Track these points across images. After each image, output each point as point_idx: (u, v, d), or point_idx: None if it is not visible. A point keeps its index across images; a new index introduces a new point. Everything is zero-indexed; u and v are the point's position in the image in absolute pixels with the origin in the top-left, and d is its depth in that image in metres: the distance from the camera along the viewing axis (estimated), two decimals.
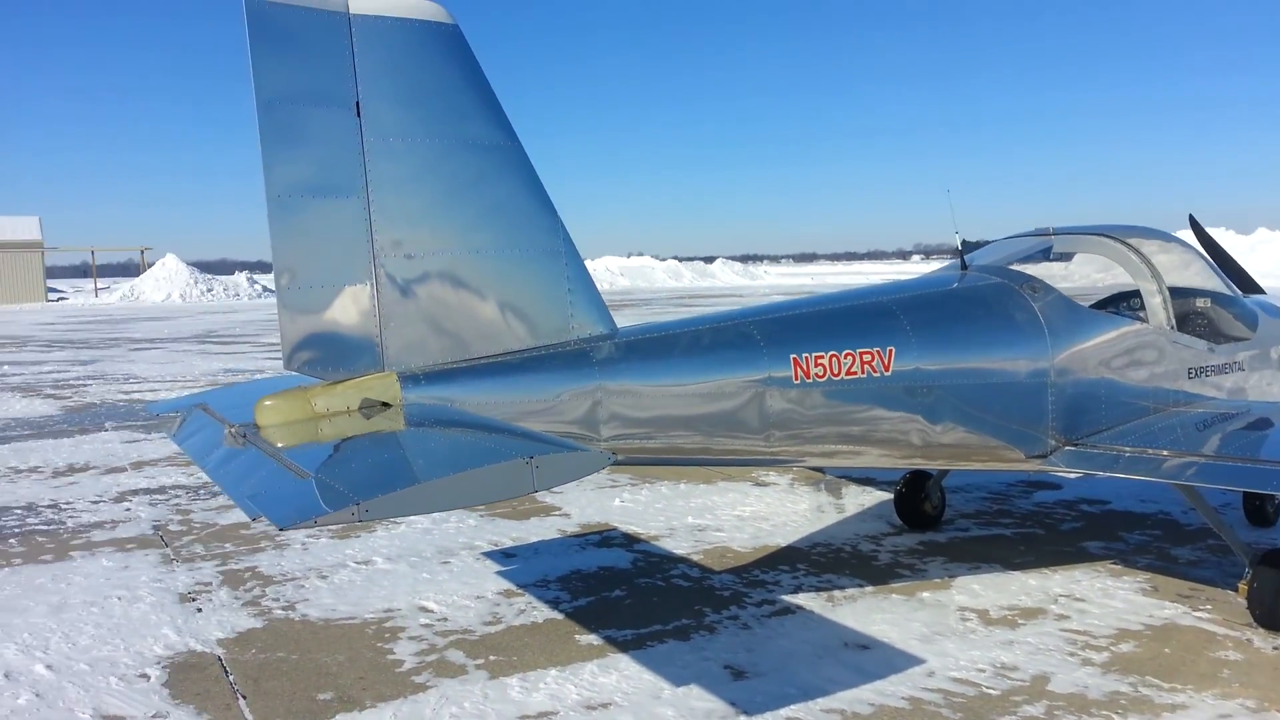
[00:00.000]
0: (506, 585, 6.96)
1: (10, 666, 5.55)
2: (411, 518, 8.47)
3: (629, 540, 8.07)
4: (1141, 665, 5.49)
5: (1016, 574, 7.09)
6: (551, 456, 3.95)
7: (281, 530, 3.47)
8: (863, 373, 5.85)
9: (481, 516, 8.71)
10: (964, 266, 7.13)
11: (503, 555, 7.66)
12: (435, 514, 8.60)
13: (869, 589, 6.80)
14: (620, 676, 5.42)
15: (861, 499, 9.29)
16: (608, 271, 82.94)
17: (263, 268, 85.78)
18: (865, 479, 9.99)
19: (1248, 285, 8.71)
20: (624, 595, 6.75)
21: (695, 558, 7.57)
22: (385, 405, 4.64)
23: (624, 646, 5.83)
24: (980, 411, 6.24)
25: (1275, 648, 5.72)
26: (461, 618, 6.33)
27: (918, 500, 8.27)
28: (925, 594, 6.69)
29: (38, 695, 5.19)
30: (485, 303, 4.92)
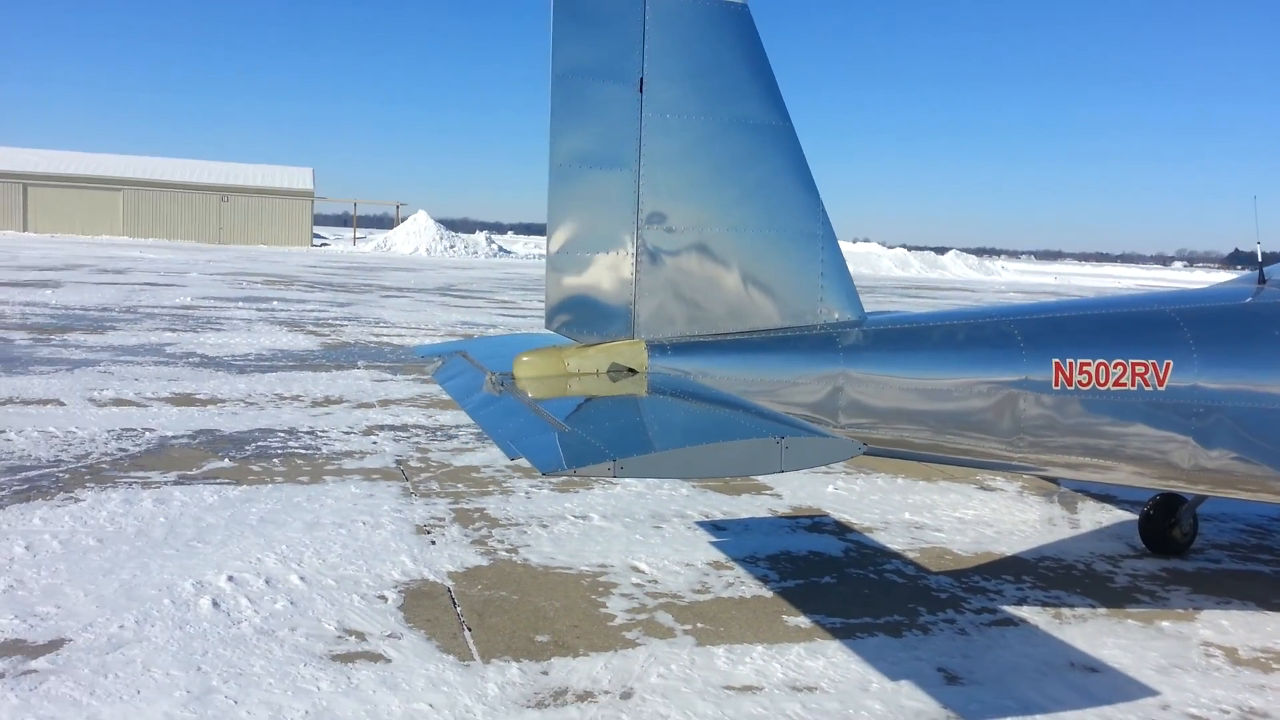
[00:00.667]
0: (716, 556, 7.03)
1: (270, 574, 6.18)
2: (628, 481, 8.73)
3: (841, 528, 7.94)
4: None
5: (1274, 615, 6.42)
6: (802, 439, 3.97)
7: (543, 475, 3.67)
8: (1133, 385, 5.49)
9: (694, 488, 8.83)
10: (1262, 280, 6.50)
11: (713, 527, 7.74)
12: (651, 480, 8.81)
13: (1101, 610, 6.36)
14: (828, 663, 5.37)
15: (1099, 516, 8.68)
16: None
17: (499, 229, 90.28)
18: (1105, 495, 9.33)
19: None
20: (834, 583, 6.66)
21: (911, 555, 7.34)
22: (631, 371, 4.82)
23: (833, 633, 5.77)
24: (1260, 439, 5.69)
25: None
26: (671, 582, 6.46)
27: (1166, 525, 7.63)
28: (1165, 623, 6.18)
29: (292, 604, 5.75)
30: (737, 279, 5.00)
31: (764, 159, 5.01)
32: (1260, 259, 6.72)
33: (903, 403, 5.21)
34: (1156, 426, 5.56)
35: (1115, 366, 5.47)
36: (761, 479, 9.25)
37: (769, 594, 6.36)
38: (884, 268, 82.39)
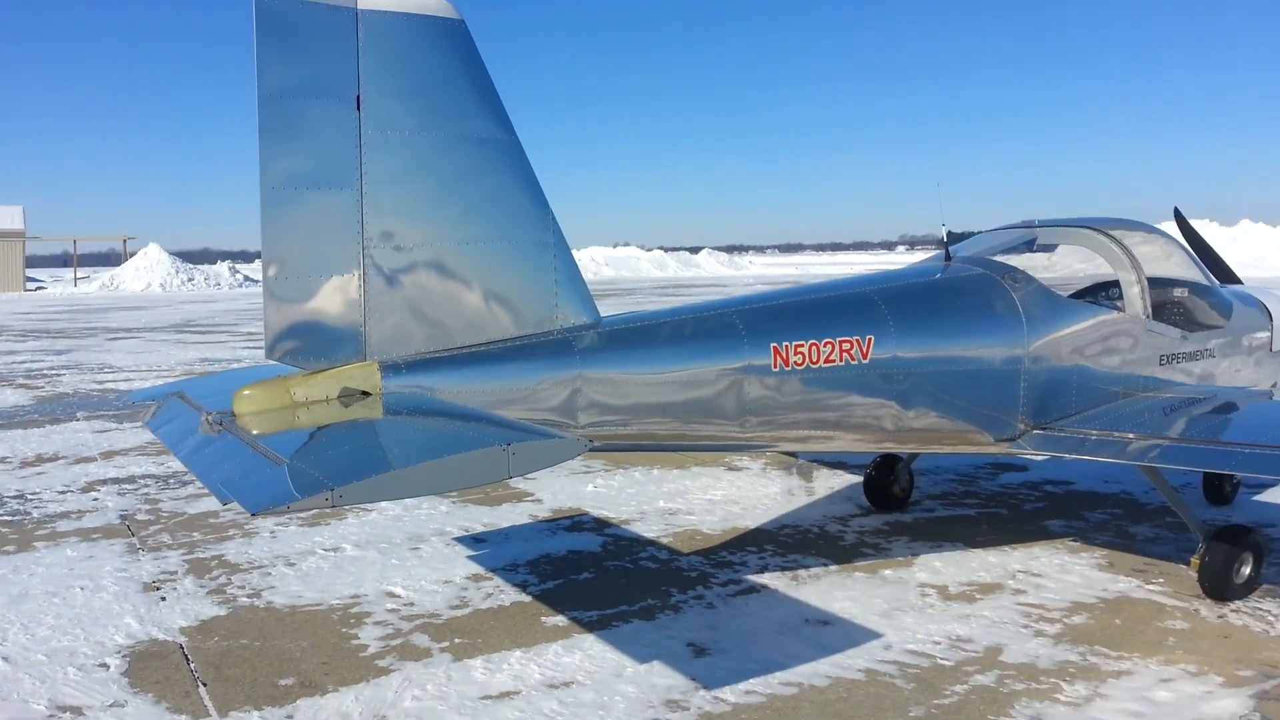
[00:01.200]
0: (475, 570, 7.00)
1: None
2: (383, 505, 8.51)
3: (600, 524, 8.12)
4: (1092, 636, 5.60)
5: (977, 552, 7.18)
6: (528, 444, 4.00)
7: (253, 516, 3.52)
8: (841, 361, 5.93)
9: (454, 503, 8.74)
10: (948, 258, 7.22)
11: (473, 540, 7.70)
12: (407, 501, 8.63)
13: (833, 568, 6.87)
14: (584, 656, 5.48)
15: (832, 482, 9.36)
16: (593, 261, 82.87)
17: (244, 257, 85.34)
18: (837, 463, 10.07)
19: (1226, 276, 8.84)
20: (592, 578, 6.80)
21: (665, 540, 7.62)
22: (365, 394, 4.70)
23: (589, 627, 5.89)
24: (953, 397, 6.33)
25: (1220, 617, 5.85)
26: (428, 602, 6.36)
27: (886, 482, 8.35)
28: (888, 572, 6.77)
29: None
30: (471, 293, 4.96)
31: (490, 173, 5.02)
32: (946, 239, 7.44)
33: (639, 398, 5.38)
34: (866, 395, 6.06)
35: (825, 345, 5.90)
36: (523, 485, 9.29)
37: (528, 599, 6.41)
38: (644, 269, 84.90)
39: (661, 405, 5.46)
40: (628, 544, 7.57)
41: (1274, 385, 7.82)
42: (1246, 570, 6.07)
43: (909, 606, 6.11)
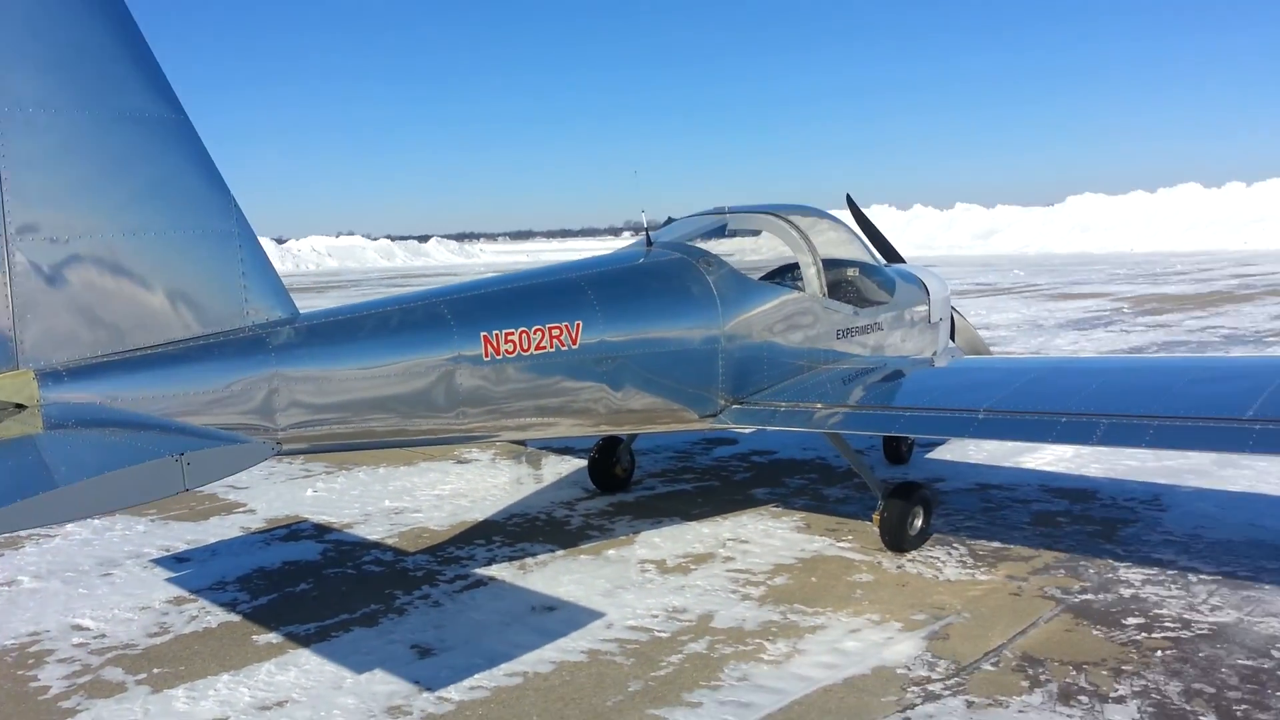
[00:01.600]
0: (177, 592, 6.49)
1: None
2: (69, 529, 7.71)
3: (320, 531, 7.78)
4: (792, 595, 6.08)
5: (693, 524, 7.59)
6: (205, 451, 3.73)
7: None
8: (552, 347, 6.01)
9: (152, 520, 8.06)
10: (649, 243, 7.48)
11: (175, 561, 7.13)
12: (95, 522, 7.87)
13: (560, 553, 7.00)
14: (299, 672, 5.23)
15: (559, 468, 9.52)
16: (314, 252, 78.89)
17: None
18: (564, 448, 10.25)
19: (891, 255, 9.82)
20: (310, 588, 6.51)
21: (390, 541, 7.44)
22: (20, 406, 4.16)
23: (305, 641, 5.63)
24: (661, 377, 6.59)
25: (898, 567, 6.54)
26: (123, 632, 5.83)
27: (609, 464, 8.61)
28: (611, 551, 7.00)
29: None
30: (145, 288, 4.51)
31: (157, 156, 4.58)
32: (646, 225, 7.74)
33: (345, 394, 5.18)
34: (580, 380, 6.20)
35: (536, 332, 5.97)
36: (234, 496, 8.74)
37: (237, 618, 6.03)
38: (370, 260, 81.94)
39: (373, 401, 5.30)
40: (350, 549, 7.31)
41: (934, 354, 8.80)
42: (919, 523, 6.82)
43: (630, 584, 6.34)
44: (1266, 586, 5.96)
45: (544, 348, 5.98)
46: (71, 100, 4.31)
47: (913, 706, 4.63)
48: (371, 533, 7.67)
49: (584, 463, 9.31)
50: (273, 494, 8.88)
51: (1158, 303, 26.71)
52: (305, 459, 10.24)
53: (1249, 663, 4.96)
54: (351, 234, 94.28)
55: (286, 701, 4.90)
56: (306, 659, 5.39)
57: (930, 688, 4.81)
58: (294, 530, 7.82)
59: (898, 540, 6.72)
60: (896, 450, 9.24)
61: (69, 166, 4.34)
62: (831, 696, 4.75)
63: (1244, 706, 4.52)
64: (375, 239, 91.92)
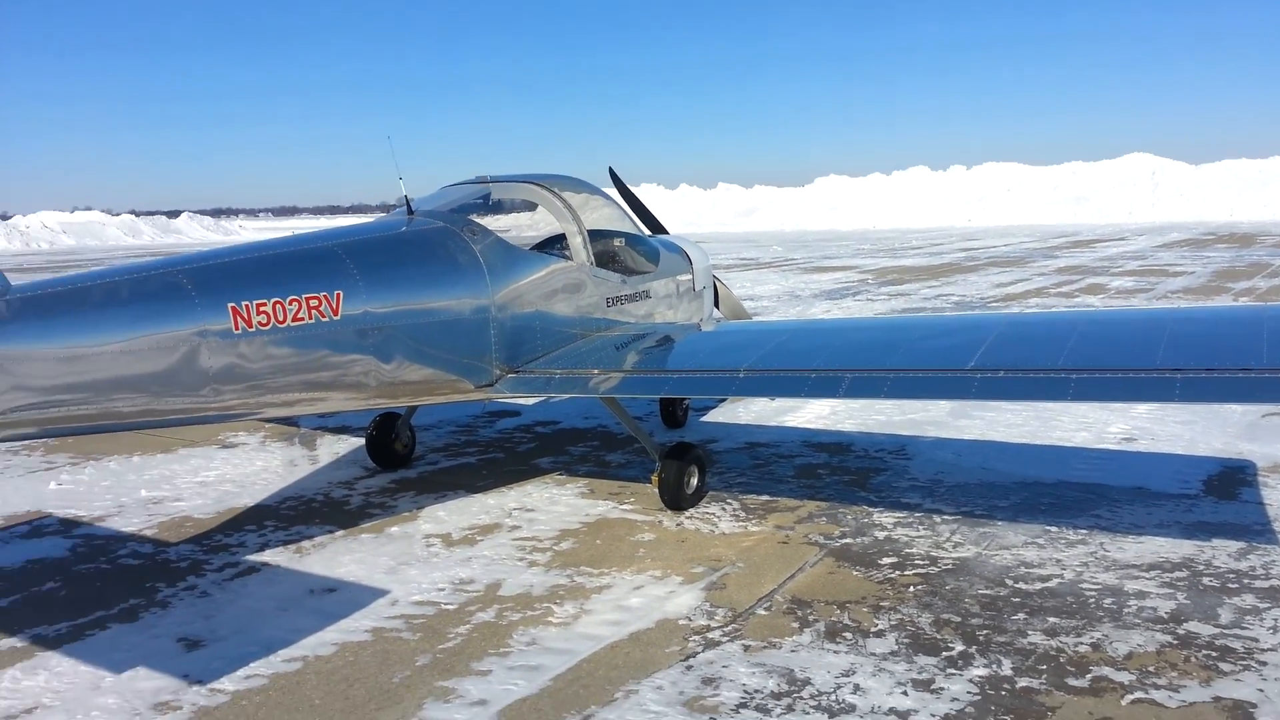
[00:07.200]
0: None
1: None
2: None
3: (67, 525, 7.13)
4: (578, 558, 6.21)
5: (479, 496, 7.56)
6: None
7: None
8: (311, 318, 5.77)
9: None
10: (410, 212, 7.30)
11: None
12: None
13: (339, 533, 6.78)
14: (50, 675, 4.79)
15: (336, 447, 9.19)
16: (46, 229, 71.30)
17: None
18: (341, 427, 9.90)
19: (654, 227, 10.11)
20: (59, 586, 5.96)
21: (149, 533, 6.92)
22: None
23: (55, 643, 5.16)
24: (432, 349, 6.48)
25: (678, 525, 6.82)
26: None
27: (388, 440, 8.40)
28: (394, 529, 6.85)
29: None
30: None
31: None
32: (405, 194, 7.55)
33: (69, 376, 4.76)
34: (345, 353, 6.00)
35: (291, 303, 5.71)
36: None
37: None
38: (112, 237, 75.13)
39: (101, 382, 4.90)
40: (103, 543, 6.75)
41: (700, 320, 9.18)
42: (694, 481, 7.12)
43: (414, 559, 6.24)
44: (999, 523, 6.68)
45: (302, 319, 5.76)
46: None
47: (695, 655, 4.85)
48: (127, 525, 7.11)
49: (362, 441, 9.04)
50: (9, 488, 8.05)
51: (898, 274, 29.11)
52: (46, 449, 9.33)
53: (988, 592, 5.55)
54: (89, 209, 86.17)
55: (36, 708, 4.49)
56: (58, 661, 4.95)
57: (710, 635, 5.06)
58: (37, 526, 7.13)
59: (676, 499, 6.99)
60: (673, 414, 9.57)
61: None
62: (618, 652, 4.90)
63: (986, 631, 5.05)
64: (117, 214, 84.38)
